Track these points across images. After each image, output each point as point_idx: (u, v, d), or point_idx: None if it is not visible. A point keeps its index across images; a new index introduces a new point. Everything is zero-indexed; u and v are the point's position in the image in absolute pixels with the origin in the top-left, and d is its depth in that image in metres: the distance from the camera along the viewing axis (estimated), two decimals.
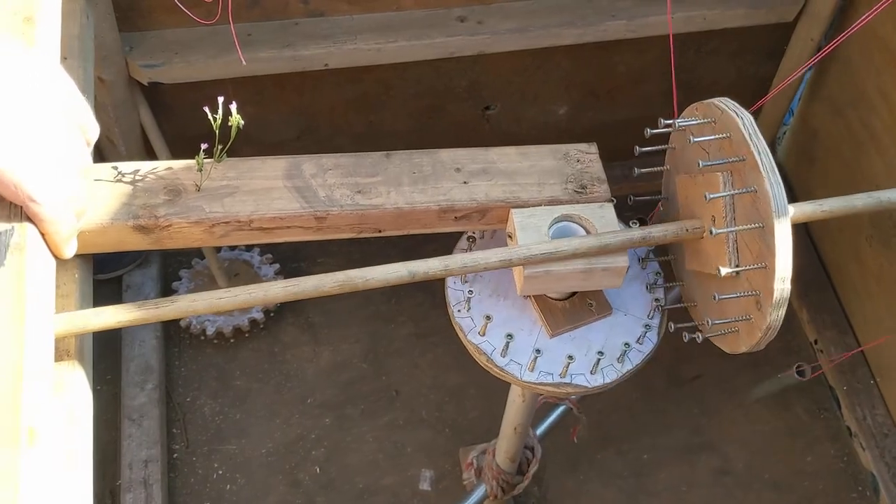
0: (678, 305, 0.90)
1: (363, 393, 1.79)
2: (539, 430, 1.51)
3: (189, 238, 0.79)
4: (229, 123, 0.77)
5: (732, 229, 0.76)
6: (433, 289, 1.88)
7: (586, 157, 0.90)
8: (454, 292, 0.91)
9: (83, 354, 0.73)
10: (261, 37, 1.36)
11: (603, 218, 0.84)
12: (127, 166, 0.80)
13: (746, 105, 0.78)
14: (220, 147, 0.79)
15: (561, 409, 1.54)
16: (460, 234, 0.95)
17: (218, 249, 1.82)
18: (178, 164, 0.81)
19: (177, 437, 1.73)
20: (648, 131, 0.84)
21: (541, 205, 0.85)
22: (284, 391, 1.79)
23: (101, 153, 1.47)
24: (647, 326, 0.89)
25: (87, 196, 0.66)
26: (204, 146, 0.77)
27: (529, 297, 0.89)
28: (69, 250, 0.65)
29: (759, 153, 0.73)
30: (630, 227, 0.82)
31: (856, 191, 0.81)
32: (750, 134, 0.73)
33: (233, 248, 1.87)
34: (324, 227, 0.83)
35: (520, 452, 1.34)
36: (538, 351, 0.87)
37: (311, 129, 1.64)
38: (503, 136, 1.73)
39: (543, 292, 0.87)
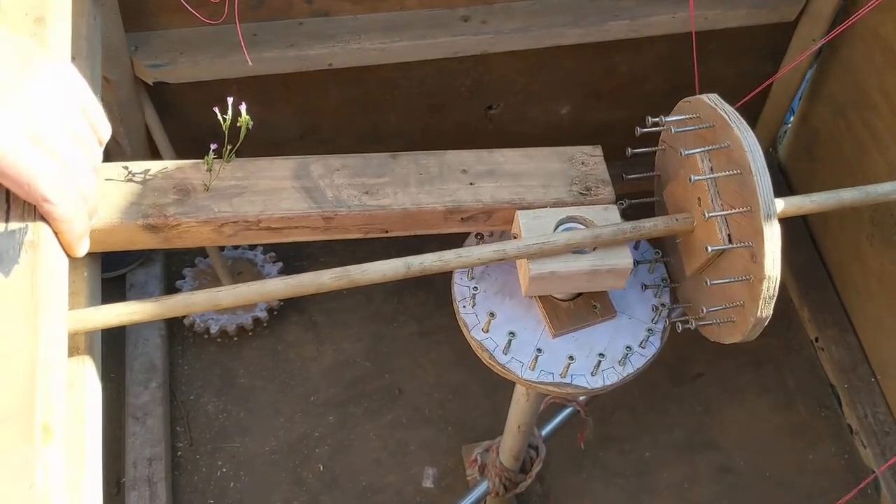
0: (679, 312, 0.91)
1: (366, 391, 1.80)
2: (545, 431, 1.52)
3: (198, 237, 0.80)
4: (238, 124, 0.77)
5: (722, 213, 0.77)
6: (435, 288, 1.89)
7: (591, 159, 0.90)
8: (460, 288, 0.92)
9: (93, 351, 0.74)
10: (265, 37, 1.37)
11: (607, 220, 0.85)
12: (137, 166, 0.80)
13: (747, 105, 0.79)
14: (229, 147, 0.79)
15: (568, 410, 1.55)
16: (464, 235, 0.96)
17: (221, 248, 1.83)
18: (187, 163, 0.81)
19: (181, 435, 1.74)
20: (639, 130, 0.85)
21: (546, 206, 0.86)
22: (288, 389, 1.79)
23: (107, 153, 1.46)
24: (650, 331, 0.89)
25: (99, 195, 0.67)
26: (213, 146, 0.78)
27: (535, 297, 0.89)
28: (82, 249, 0.66)
29: (742, 133, 0.73)
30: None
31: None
32: (733, 122, 0.74)
33: (236, 246, 1.88)
34: (331, 228, 0.83)
35: (524, 451, 1.34)
36: (539, 350, 0.87)
37: (315, 128, 1.64)
38: (506, 136, 1.73)
39: (548, 293, 0.88)
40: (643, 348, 0.89)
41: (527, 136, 1.75)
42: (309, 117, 1.61)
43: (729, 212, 0.76)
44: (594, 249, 0.82)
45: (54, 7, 0.71)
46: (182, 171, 0.81)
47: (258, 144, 0.82)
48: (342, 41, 1.38)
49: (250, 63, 1.25)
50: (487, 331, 0.89)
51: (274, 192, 0.82)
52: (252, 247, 1.88)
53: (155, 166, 0.81)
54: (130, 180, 0.80)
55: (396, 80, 1.57)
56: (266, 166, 0.84)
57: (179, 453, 1.72)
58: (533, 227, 0.83)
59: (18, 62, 0.59)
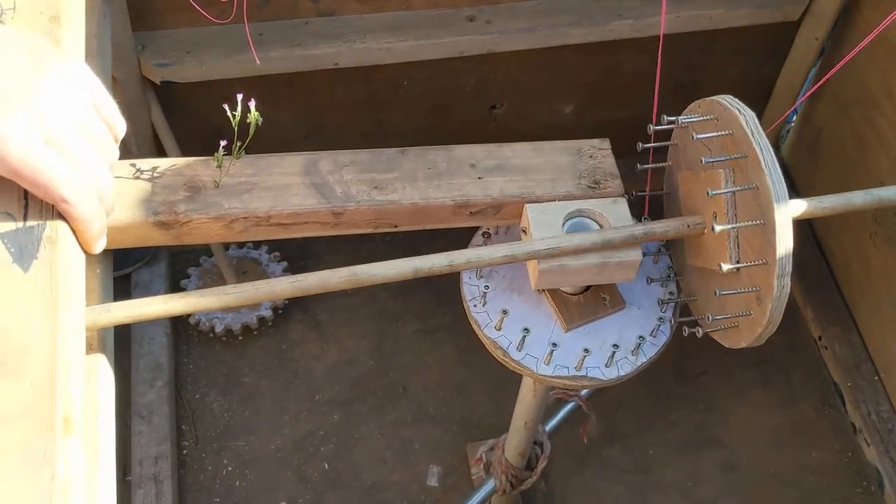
0: (685, 318, 0.92)
1: (371, 389, 1.80)
2: (548, 426, 1.52)
3: (208, 234, 0.80)
4: (248, 120, 0.78)
5: (734, 226, 0.77)
6: (439, 286, 1.89)
7: (599, 152, 0.91)
8: (470, 287, 0.92)
9: (106, 348, 0.75)
10: (272, 36, 1.37)
11: (616, 213, 0.86)
12: (146, 163, 0.81)
13: (750, 105, 0.80)
14: (238, 144, 0.80)
15: (570, 405, 1.56)
16: (470, 233, 0.97)
17: (226, 247, 1.83)
18: (197, 160, 0.82)
19: (186, 433, 1.74)
20: (651, 127, 0.85)
21: (555, 200, 0.87)
22: (293, 388, 1.80)
23: None
24: (661, 319, 0.90)
25: (115, 193, 0.68)
26: (223, 143, 0.79)
27: (544, 292, 0.90)
28: (100, 246, 0.66)
29: (761, 149, 0.74)
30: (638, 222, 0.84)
31: (860, 189, 0.83)
32: (752, 131, 0.75)
33: (241, 245, 1.88)
34: (341, 223, 0.84)
35: (529, 447, 1.35)
36: (554, 345, 0.88)
37: (319, 128, 1.65)
38: (510, 136, 1.74)
39: (557, 286, 0.89)
40: (654, 337, 0.90)
41: (530, 136, 1.75)
42: (313, 117, 1.62)
43: (742, 224, 0.77)
44: None
45: (69, 6, 0.72)
46: (191, 168, 0.82)
47: (263, 144, 0.82)
48: (348, 41, 1.39)
49: (258, 62, 1.25)
50: (500, 328, 0.89)
51: (283, 188, 0.82)
52: (257, 246, 1.88)
53: (164, 164, 0.82)
54: (139, 178, 0.80)
55: (401, 80, 1.57)
56: (275, 162, 0.84)
57: (185, 452, 1.72)
58: (542, 220, 0.84)
59: (32, 62, 0.59)
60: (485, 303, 0.91)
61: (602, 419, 1.78)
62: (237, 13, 1.19)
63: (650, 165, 0.90)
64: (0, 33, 0.59)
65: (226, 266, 1.77)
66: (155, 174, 0.79)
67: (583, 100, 1.72)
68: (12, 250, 0.58)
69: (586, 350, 0.87)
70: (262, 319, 1.82)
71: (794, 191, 1.93)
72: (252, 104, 0.77)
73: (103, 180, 0.64)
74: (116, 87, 1.34)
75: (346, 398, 1.79)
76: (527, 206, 0.86)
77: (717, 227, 0.77)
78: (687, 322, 0.88)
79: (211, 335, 1.81)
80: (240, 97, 0.77)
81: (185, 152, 1.52)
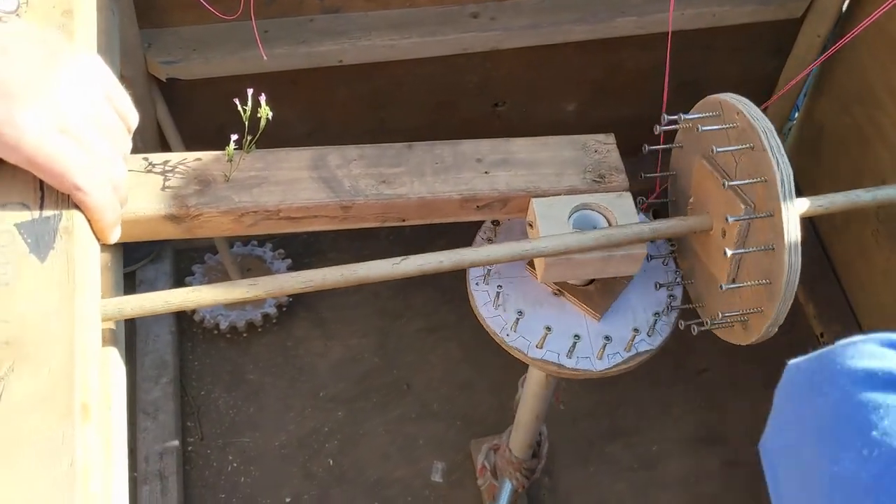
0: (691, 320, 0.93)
1: (375, 386, 1.81)
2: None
3: (219, 227, 0.81)
4: (258, 115, 0.79)
5: (748, 217, 0.78)
6: (442, 285, 1.90)
7: (604, 147, 0.92)
8: (479, 294, 0.94)
9: (117, 341, 0.76)
10: (277, 33, 1.38)
11: (621, 207, 0.87)
12: (157, 157, 0.82)
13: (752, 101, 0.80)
14: (249, 138, 0.81)
15: None
16: (471, 231, 0.98)
17: (231, 244, 1.84)
18: (207, 155, 0.83)
19: (191, 430, 1.75)
20: (658, 128, 0.86)
21: (560, 194, 0.87)
22: (297, 385, 1.81)
23: None
24: (657, 314, 0.92)
25: (129, 183, 0.69)
26: (234, 137, 0.79)
27: (564, 292, 0.91)
28: (114, 236, 0.67)
29: (767, 136, 0.75)
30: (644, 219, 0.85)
31: (862, 186, 0.84)
32: (761, 127, 0.76)
33: (245, 243, 1.89)
34: (349, 217, 0.85)
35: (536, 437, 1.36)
36: (608, 338, 0.89)
37: (323, 125, 1.66)
38: (513, 133, 1.71)
39: (563, 279, 0.89)
40: (650, 337, 0.91)
41: (533, 133, 1.73)
42: (317, 114, 1.63)
43: (754, 215, 0.77)
44: None
45: (80, 1, 0.73)
46: (202, 162, 0.83)
47: (266, 141, 0.83)
48: (353, 38, 1.40)
49: (266, 58, 1.26)
50: (542, 347, 0.90)
51: (293, 182, 0.83)
52: (261, 243, 1.89)
53: (175, 158, 0.82)
54: (151, 171, 0.81)
55: (404, 77, 1.58)
56: (284, 157, 0.85)
57: (190, 448, 1.73)
58: (548, 214, 0.85)
59: (46, 55, 0.60)
60: (487, 282, 0.92)
61: (604, 416, 1.79)
62: (244, 10, 1.20)
63: (661, 146, 0.90)
64: (15, 27, 0.59)
65: (230, 263, 1.78)
66: (166, 168, 0.80)
67: (586, 97, 1.72)
68: (29, 240, 0.58)
69: (636, 330, 0.89)
70: (266, 317, 1.83)
71: (797, 188, 1.94)
72: (262, 98, 0.78)
73: (117, 170, 0.64)
74: (123, 84, 1.35)
75: (350, 395, 1.80)
76: (533, 200, 0.87)
77: (731, 218, 0.78)
78: (696, 323, 0.89)
79: (216, 332, 1.82)
80: (250, 92, 0.78)
81: (188, 150, 1.52)
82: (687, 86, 1.73)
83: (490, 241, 0.97)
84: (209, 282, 1.84)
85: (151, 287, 1.83)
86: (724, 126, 0.79)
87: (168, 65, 1.35)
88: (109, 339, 0.73)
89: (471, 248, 0.80)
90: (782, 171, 0.73)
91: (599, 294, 0.91)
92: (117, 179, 0.64)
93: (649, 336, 0.91)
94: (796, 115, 1.92)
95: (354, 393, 1.80)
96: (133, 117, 0.68)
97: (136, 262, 1.84)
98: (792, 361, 0.50)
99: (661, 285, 0.93)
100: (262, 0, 1.35)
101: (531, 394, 1.18)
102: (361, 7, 1.42)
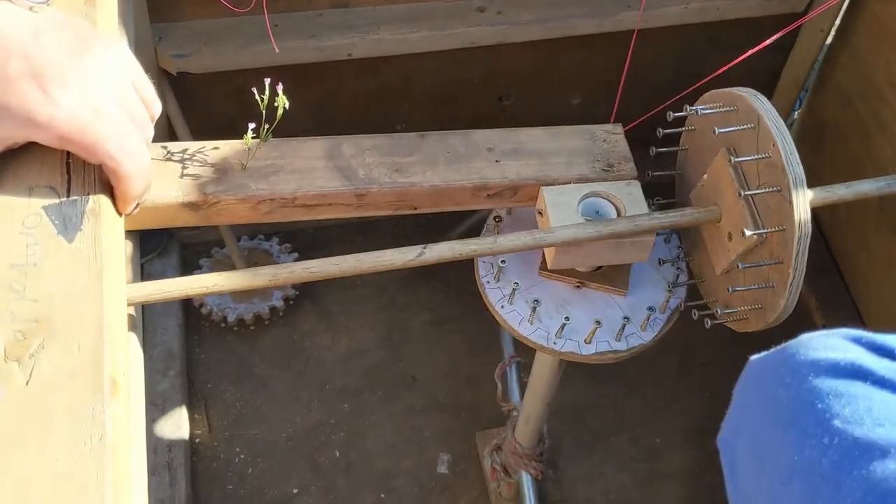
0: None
1: (381, 379, 1.83)
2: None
3: (236, 214, 0.83)
4: (275, 104, 0.80)
5: (755, 192, 0.79)
6: (447, 278, 1.92)
7: (612, 137, 0.93)
8: (492, 296, 0.95)
9: (136, 327, 0.77)
10: (286, 27, 1.40)
11: (630, 195, 0.88)
12: (175, 146, 0.83)
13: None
14: (266, 127, 0.82)
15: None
16: (475, 228, 1.00)
17: (238, 238, 1.86)
18: (224, 144, 0.84)
19: (198, 422, 1.76)
20: (660, 131, 0.87)
21: (570, 182, 0.89)
22: (304, 377, 1.82)
23: None
24: (679, 268, 0.94)
25: (151, 170, 0.70)
26: (252, 125, 0.81)
27: (583, 284, 0.93)
28: (131, 207, 0.69)
29: (772, 122, 0.76)
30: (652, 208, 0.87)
31: (864, 178, 0.85)
32: (771, 118, 0.77)
33: (252, 236, 1.90)
34: (364, 205, 0.86)
35: None
36: (627, 318, 0.92)
37: (329, 120, 1.67)
38: (517, 126, 1.76)
39: (573, 265, 0.91)
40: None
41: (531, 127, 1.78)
42: (324, 108, 1.64)
43: (762, 190, 0.79)
44: None
45: None
46: (220, 151, 0.84)
47: (274, 134, 0.85)
48: (361, 31, 1.41)
49: (278, 51, 1.28)
50: (590, 341, 0.92)
51: (308, 170, 0.85)
52: (268, 237, 1.90)
53: (193, 147, 0.84)
54: (170, 160, 0.82)
55: (412, 72, 1.59)
56: (300, 146, 0.87)
57: (198, 440, 1.75)
58: (558, 202, 0.86)
59: (77, 41, 0.62)
60: (534, 320, 0.94)
61: (609, 408, 1.80)
62: (256, 3, 1.21)
63: (660, 173, 0.92)
64: (47, 14, 0.61)
65: (237, 257, 1.80)
66: (185, 156, 0.81)
67: (590, 91, 1.74)
68: (56, 222, 0.60)
69: (627, 318, 0.90)
70: (273, 310, 1.84)
71: None
72: (280, 88, 0.79)
73: (144, 151, 0.66)
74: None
75: (356, 387, 1.81)
76: (543, 188, 0.88)
77: (743, 192, 0.79)
78: (708, 315, 0.90)
79: (223, 325, 1.84)
80: (268, 81, 0.79)
81: None
82: (691, 78, 1.75)
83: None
84: None
85: None
86: (742, 126, 0.81)
87: (179, 58, 1.36)
88: (129, 324, 0.75)
89: (490, 236, 0.82)
90: (794, 171, 0.75)
91: (614, 271, 0.93)
92: (143, 157, 0.66)
93: (662, 313, 0.93)
94: (798, 109, 1.94)
95: (361, 385, 1.81)
96: (157, 106, 0.69)
97: (143, 255, 1.85)
98: (753, 357, 0.51)
99: (664, 261, 0.96)
100: None
101: (545, 384, 1.19)
102: (370, 1, 1.43)
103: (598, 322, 0.90)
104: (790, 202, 0.75)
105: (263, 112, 0.80)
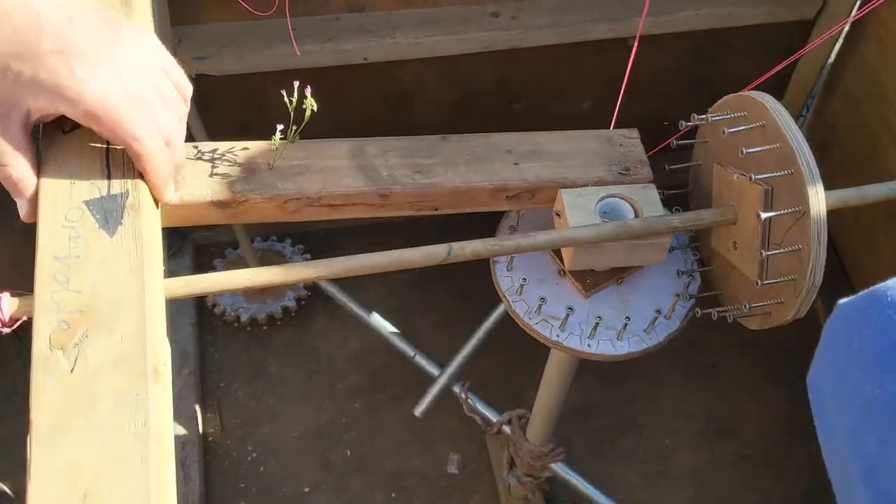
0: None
1: (391, 379, 1.85)
2: None
3: (263, 213, 0.85)
4: (303, 107, 0.82)
5: (767, 175, 0.81)
6: (458, 280, 1.94)
7: (628, 141, 0.96)
8: (512, 301, 0.97)
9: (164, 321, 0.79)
10: (304, 31, 1.42)
11: (646, 197, 0.90)
12: (206, 146, 0.85)
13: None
14: (294, 128, 0.84)
15: None
16: (488, 230, 1.02)
17: (252, 239, 1.88)
18: (252, 144, 0.87)
19: (211, 420, 1.78)
20: (674, 142, 0.90)
21: (588, 185, 0.91)
22: (315, 377, 1.84)
23: None
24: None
25: (185, 158, 0.73)
26: (280, 127, 0.83)
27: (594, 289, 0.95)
28: (170, 194, 0.71)
29: (788, 130, 0.78)
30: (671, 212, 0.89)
31: (873, 183, 0.87)
32: (779, 114, 0.79)
33: (265, 238, 1.93)
34: (386, 204, 0.88)
35: None
36: (658, 311, 0.94)
37: (343, 123, 1.69)
38: (528, 130, 1.78)
39: (590, 266, 0.93)
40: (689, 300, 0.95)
41: (548, 130, 1.80)
42: (339, 112, 1.66)
43: (781, 212, 0.81)
44: None
45: None
46: (248, 151, 0.86)
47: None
48: (377, 36, 1.44)
49: (299, 54, 1.30)
50: (561, 328, 0.94)
51: (333, 170, 0.87)
52: (281, 239, 1.93)
53: (222, 146, 0.86)
54: (200, 159, 0.85)
55: (425, 75, 1.62)
56: (325, 147, 0.89)
57: (211, 438, 1.77)
58: (576, 204, 0.88)
59: (110, 30, 0.65)
60: (564, 327, 0.96)
61: (616, 409, 1.82)
62: (278, 7, 1.24)
63: (678, 166, 0.95)
64: (79, 2, 0.64)
65: (251, 258, 1.82)
66: (215, 156, 0.83)
67: (601, 96, 1.76)
68: (98, 216, 0.62)
69: (628, 318, 0.92)
70: (286, 309, 1.86)
71: None
72: (308, 90, 0.82)
73: (174, 130, 0.69)
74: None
75: (367, 387, 1.83)
76: (561, 190, 0.90)
77: (764, 215, 0.81)
78: (724, 311, 0.92)
79: (236, 325, 1.86)
80: (296, 84, 0.82)
81: None
82: (700, 85, 1.78)
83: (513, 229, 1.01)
84: None
85: None
86: (751, 125, 0.83)
87: (199, 60, 1.38)
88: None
89: (509, 236, 0.84)
90: (807, 161, 0.77)
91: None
92: (174, 138, 0.69)
93: (667, 319, 0.95)
94: (807, 114, 1.96)
95: (371, 385, 1.84)
96: (188, 88, 0.72)
97: None
98: (841, 301, 0.54)
99: (681, 272, 0.97)
100: None
101: (560, 386, 1.21)
102: (386, 6, 1.45)
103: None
104: (804, 181, 0.77)
105: (291, 113, 0.82)
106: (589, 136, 0.96)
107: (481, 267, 1.00)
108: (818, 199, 0.77)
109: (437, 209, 0.91)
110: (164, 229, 0.83)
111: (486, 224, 1.05)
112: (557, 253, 0.95)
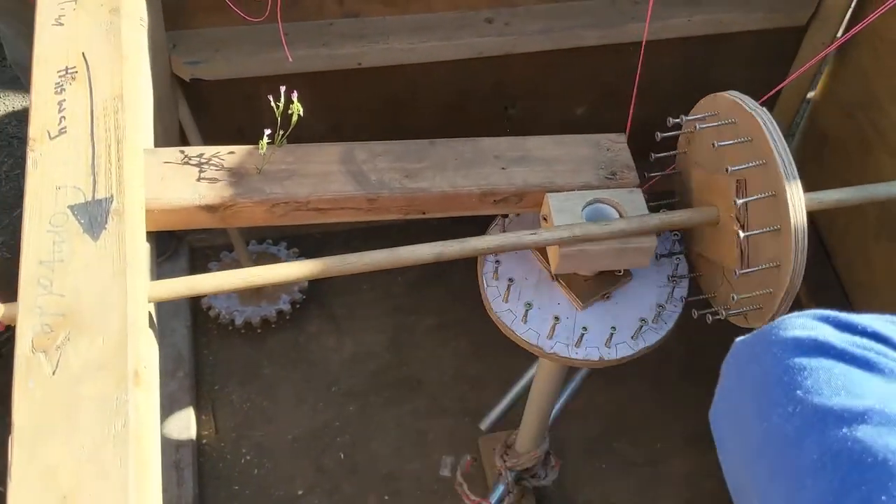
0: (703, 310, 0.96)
1: (386, 382, 1.85)
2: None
3: (252, 217, 0.85)
4: (290, 111, 0.83)
5: (750, 199, 0.82)
6: (453, 283, 1.94)
7: (616, 145, 0.96)
8: (496, 304, 0.97)
9: (153, 324, 0.80)
10: (298, 36, 1.42)
11: (632, 202, 0.91)
12: (193, 150, 0.86)
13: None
14: (281, 132, 0.85)
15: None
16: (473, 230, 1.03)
17: (247, 242, 1.88)
18: (240, 148, 0.87)
19: (206, 423, 1.79)
20: (658, 134, 0.90)
21: (574, 189, 0.91)
22: (310, 380, 1.85)
23: None
24: (643, 320, 0.97)
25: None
26: (267, 132, 0.84)
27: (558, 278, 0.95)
28: None
29: (766, 124, 0.79)
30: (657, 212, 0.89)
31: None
32: (761, 118, 0.80)
33: (260, 241, 1.93)
34: (374, 209, 0.89)
35: None
36: (528, 304, 0.95)
37: (337, 127, 1.70)
38: (522, 135, 1.78)
39: (576, 270, 0.93)
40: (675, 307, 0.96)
41: (542, 135, 1.80)
42: (332, 116, 1.67)
43: (755, 198, 0.82)
44: None
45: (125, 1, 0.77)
46: (235, 155, 0.87)
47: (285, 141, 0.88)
48: (371, 41, 1.44)
49: (291, 60, 1.31)
50: (580, 345, 0.95)
51: (322, 175, 0.87)
52: (276, 242, 1.93)
53: (209, 151, 0.87)
54: (187, 164, 0.85)
55: (420, 81, 1.62)
56: (314, 151, 0.89)
57: (205, 441, 1.77)
58: (562, 208, 0.89)
59: None
60: (554, 334, 0.97)
61: (611, 413, 1.83)
62: (271, 12, 1.24)
63: (657, 174, 0.95)
64: None
65: (246, 260, 1.82)
66: (202, 160, 0.84)
67: (594, 101, 1.76)
68: (82, 221, 0.63)
69: (614, 328, 0.92)
70: (280, 313, 1.87)
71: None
72: (294, 95, 0.82)
73: None
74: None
75: (362, 390, 1.84)
76: (548, 194, 0.91)
77: (739, 201, 0.82)
78: (710, 312, 0.92)
79: (230, 328, 1.86)
80: (283, 89, 0.82)
81: None
82: (694, 91, 1.78)
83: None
84: None
85: None
86: (721, 122, 0.83)
87: (192, 65, 1.39)
88: (149, 321, 0.77)
89: (496, 235, 0.84)
90: (782, 154, 0.77)
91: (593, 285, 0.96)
92: None
93: (655, 324, 0.95)
94: (800, 120, 1.96)
95: (366, 388, 1.84)
96: None
97: None
98: (738, 338, 0.56)
99: (670, 277, 0.97)
100: (284, 3, 1.39)
101: (547, 393, 1.21)
102: (380, 11, 1.46)
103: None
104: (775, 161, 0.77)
105: (279, 118, 0.83)
106: (577, 140, 0.96)
107: (473, 272, 1.00)
108: (792, 187, 0.78)
109: (424, 213, 0.92)
110: (158, 233, 0.84)
111: (481, 230, 1.05)
112: (545, 257, 0.96)
